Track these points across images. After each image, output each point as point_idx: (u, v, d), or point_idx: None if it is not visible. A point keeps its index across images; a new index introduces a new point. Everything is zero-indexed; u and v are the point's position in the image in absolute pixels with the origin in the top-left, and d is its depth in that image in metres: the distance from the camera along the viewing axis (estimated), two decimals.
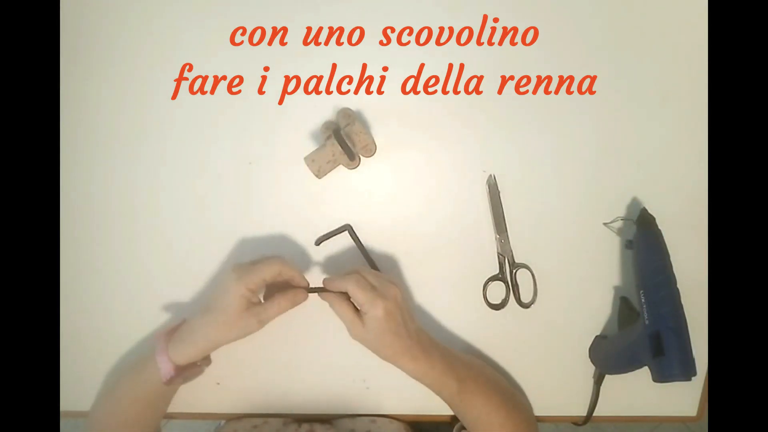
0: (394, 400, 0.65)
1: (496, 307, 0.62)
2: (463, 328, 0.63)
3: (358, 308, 0.52)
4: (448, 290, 0.62)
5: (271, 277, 0.52)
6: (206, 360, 0.58)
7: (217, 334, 0.52)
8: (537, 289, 0.61)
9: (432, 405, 0.65)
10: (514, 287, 0.61)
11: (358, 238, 0.60)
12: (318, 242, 0.61)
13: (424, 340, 0.54)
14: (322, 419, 0.64)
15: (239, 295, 0.51)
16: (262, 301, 0.55)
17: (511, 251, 0.61)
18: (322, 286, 0.54)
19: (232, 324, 0.52)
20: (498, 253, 0.61)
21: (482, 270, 0.62)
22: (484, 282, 0.61)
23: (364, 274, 0.53)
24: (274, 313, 0.53)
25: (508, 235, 0.60)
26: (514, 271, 0.61)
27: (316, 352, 0.64)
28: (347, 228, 0.60)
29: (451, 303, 0.63)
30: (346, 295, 0.52)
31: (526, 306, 0.62)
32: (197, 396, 0.64)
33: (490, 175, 0.59)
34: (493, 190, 0.60)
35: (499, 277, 0.61)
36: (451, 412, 0.64)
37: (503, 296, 0.62)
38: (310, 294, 0.55)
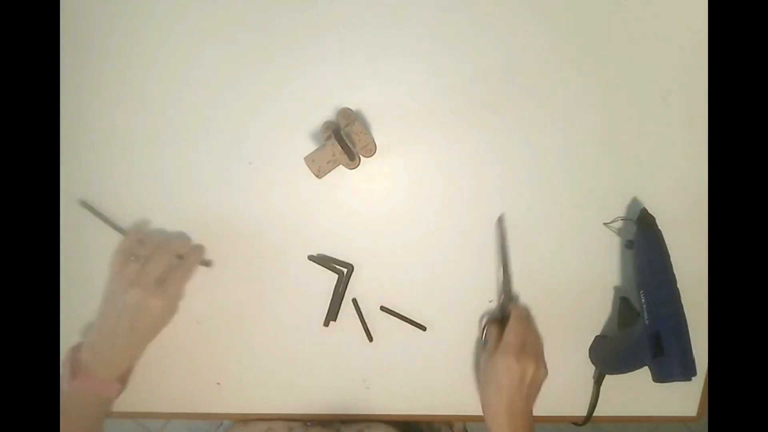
0: (394, 401, 0.65)
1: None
2: (464, 322, 0.63)
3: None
4: (448, 288, 0.62)
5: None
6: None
7: (150, 336, 0.57)
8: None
9: (431, 405, 0.65)
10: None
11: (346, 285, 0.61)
12: (313, 258, 0.61)
13: (520, 420, 0.54)
14: (328, 421, 0.64)
15: (164, 309, 0.55)
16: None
17: (510, 286, 0.61)
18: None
19: (164, 323, 0.56)
20: (499, 290, 0.62)
21: (483, 270, 0.62)
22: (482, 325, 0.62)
23: (535, 335, 0.57)
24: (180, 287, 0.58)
25: (510, 276, 0.61)
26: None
27: (315, 352, 0.64)
28: (347, 270, 0.61)
29: (450, 299, 0.63)
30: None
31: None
32: (197, 396, 0.65)
33: (500, 216, 0.60)
34: (501, 232, 0.60)
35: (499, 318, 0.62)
36: (448, 413, 0.64)
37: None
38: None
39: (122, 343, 0.54)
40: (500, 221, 0.59)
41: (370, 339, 0.62)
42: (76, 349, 0.57)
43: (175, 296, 0.56)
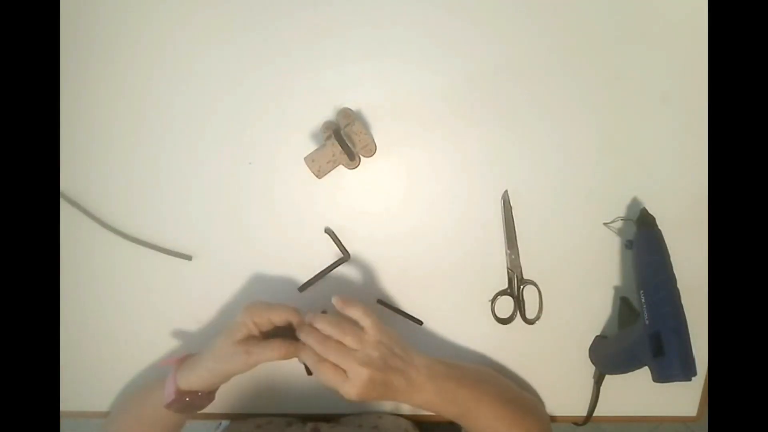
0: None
1: (504, 321, 0.63)
2: (460, 318, 0.63)
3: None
4: (445, 284, 0.63)
5: (279, 321, 0.51)
6: (210, 395, 0.56)
7: (214, 362, 0.52)
8: (542, 306, 0.62)
9: None
10: (520, 302, 0.62)
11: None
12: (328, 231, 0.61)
13: (421, 366, 0.51)
14: (326, 418, 0.64)
15: (242, 323, 0.50)
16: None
17: (521, 267, 0.61)
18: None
19: (225, 350, 0.51)
20: (507, 268, 0.61)
21: (480, 267, 0.62)
22: (492, 296, 0.62)
23: (338, 338, 0.49)
24: (266, 355, 0.50)
25: (518, 251, 0.61)
26: (522, 287, 0.62)
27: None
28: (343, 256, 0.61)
29: (447, 295, 0.63)
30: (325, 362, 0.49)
31: (531, 322, 0.62)
32: None
33: (504, 192, 0.60)
34: (507, 207, 0.60)
35: (508, 291, 0.62)
36: None
37: (511, 310, 0.63)
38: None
39: (206, 363, 0.52)
40: (505, 194, 0.60)
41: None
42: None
43: (253, 351, 0.50)
